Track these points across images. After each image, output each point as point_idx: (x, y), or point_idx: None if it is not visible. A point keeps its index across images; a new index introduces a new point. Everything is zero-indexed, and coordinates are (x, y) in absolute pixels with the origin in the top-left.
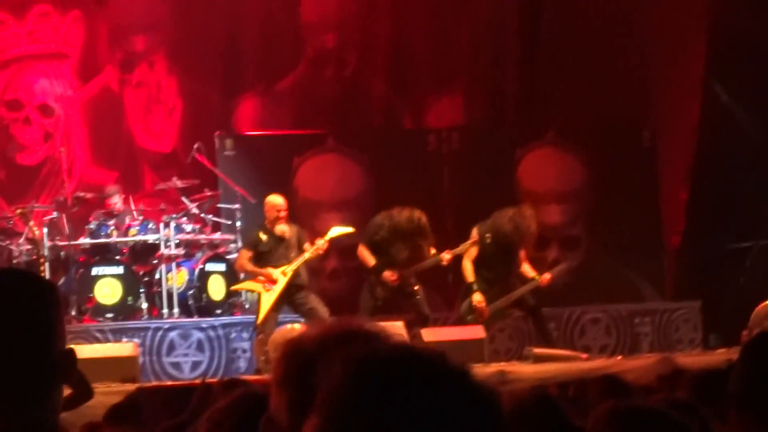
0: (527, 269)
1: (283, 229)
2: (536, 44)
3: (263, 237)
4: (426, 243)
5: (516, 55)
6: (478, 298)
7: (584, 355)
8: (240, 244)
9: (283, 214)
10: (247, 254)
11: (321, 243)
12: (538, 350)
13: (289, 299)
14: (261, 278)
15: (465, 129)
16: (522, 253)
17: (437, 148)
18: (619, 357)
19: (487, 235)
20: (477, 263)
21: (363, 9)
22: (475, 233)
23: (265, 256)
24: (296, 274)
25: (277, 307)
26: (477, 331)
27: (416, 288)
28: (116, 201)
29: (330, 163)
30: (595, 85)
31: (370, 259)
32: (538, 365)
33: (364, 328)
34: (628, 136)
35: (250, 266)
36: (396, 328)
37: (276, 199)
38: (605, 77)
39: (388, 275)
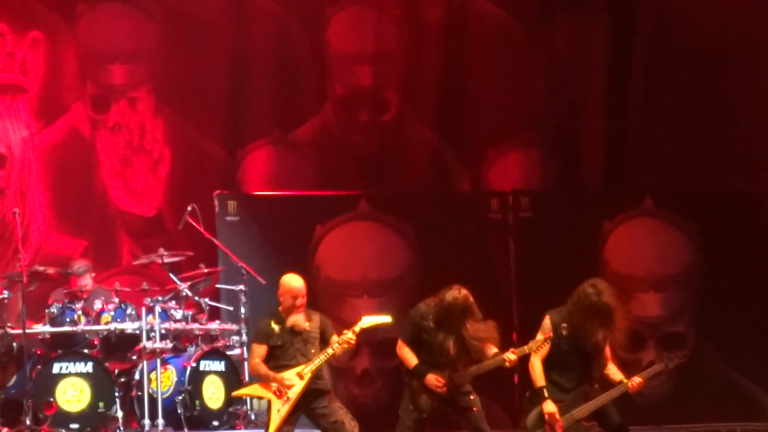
0: (613, 371)
1: (298, 320)
2: (629, 88)
3: (275, 327)
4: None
5: (603, 101)
6: (549, 407)
7: None
8: (245, 336)
9: (300, 302)
10: (260, 350)
11: (349, 336)
12: None
13: (307, 409)
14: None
15: (537, 194)
16: (607, 351)
17: (501, 216)
18: None
19: (563, 326)
20: (549, 363)
21: (408, 37)
22: (548, 324)
23: (277, 353)
24: (316, 376)
25: (291, 419)
26: None
27: (471, 398)
28: (85, 278)
29: (363, 233)
30: (705, 141)
31: (412, 359)
32: None
33: None
34: (749, 207)
35: (264, 368)
36: None
37: (293, 281)
38: (718, 131)
39: (434, 381)
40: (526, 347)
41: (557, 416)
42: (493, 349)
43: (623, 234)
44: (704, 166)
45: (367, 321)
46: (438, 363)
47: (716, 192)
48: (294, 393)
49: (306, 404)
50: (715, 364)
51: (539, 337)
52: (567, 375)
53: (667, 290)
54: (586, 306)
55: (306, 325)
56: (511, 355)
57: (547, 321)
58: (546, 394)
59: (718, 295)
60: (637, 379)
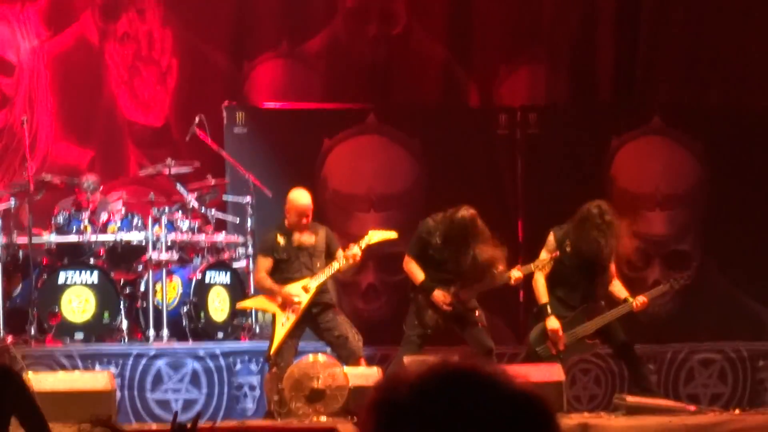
0: (618, 289)
1: (303, 238)
2: (640, 1)
3: (281, 240)
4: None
5: (614, 14)
6: (552, 324)
7: (691, 407)
8: (251, 248)
9: (305, 220)
10: (266, 263)
11: (355, 251)
12: (631, 399)
13: (311, 323)
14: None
15: (545, 109)
16: (612, 268)
17: (509, 132)
18: (737, 411)
19: (567, 242)
20: (552, 279)
21: None
22: (552, 242)
23: (282, 266)
24: (322, 290)
25: (295, 332)
26: (553, 372)
27: (477, 314)
28: (92, 187)
29: (370, 147)
30: (716, 57)
31: (419, 274)
32: (632, 418)
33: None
34: (759, 125)
35: (269, 282)
36: None
37: (300, 198)
38: (730, 47)
39: (441, 297)
40: (531, 265)
41: (560, 333)
42: (499, 268)
43: (630, 151)
44: (715, 82)
45: (374, 236)
46: (444, 279)
47: (725, 109)
48: (299, 306)
49: (311, 318)
50: (720, 284)
51: (544, 255)
52: (571, 292)
53: (673, 208)
54: (590, 224)
55: (312, 239)
56: (516, 273)
57: (551, 238)
58: (549, 311)
59: (724, 215)
60: (641, 298)
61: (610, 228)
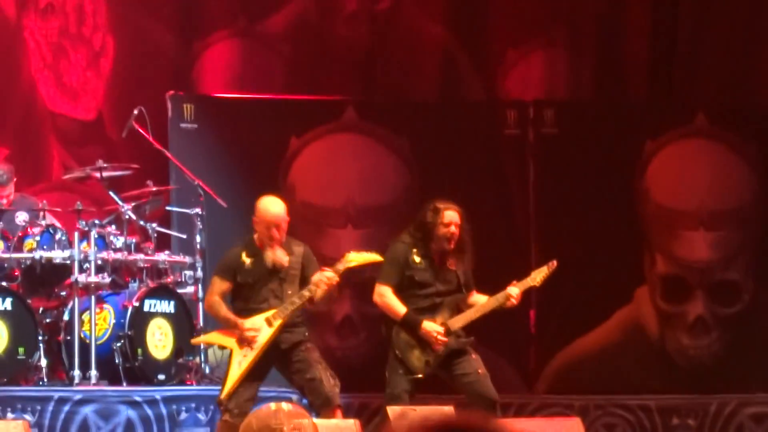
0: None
1: (277, 256)
2: None
3: (246, 261)
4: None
5: None
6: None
7: None
8: (200, 271)
9: (277, 234)
10: (222, 286)
11: (329, 275)
12: None
13: (279, 362)
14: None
15: (565, 105)
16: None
17: (520, 132)
18: None
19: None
20: None
21: None
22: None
23: (245, 293)
24: (293, 323)
25: (256, 374)
26: (572, 427)
27: (473, 356)
28: (8, 187)
29: (348, 148)
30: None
31: (399, 307)
32: None
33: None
34: None
35: (224, 310)
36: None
37: (270, 208)
38: None
39: (433, 328)
40: (529, 279)
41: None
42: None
43: (669, 157)
44: (763, 78)
45: (353, 259)
46: (431, 307)
47: None
48: (260, 343)
49: (278, 357)
50: None
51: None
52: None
53: (721, 228)
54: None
55: (285, 259)
56: (514, 289)
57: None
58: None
59: None
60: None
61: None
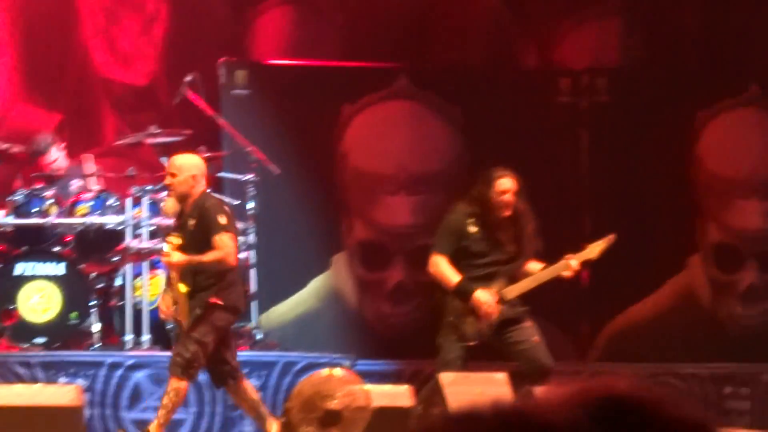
0: None
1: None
2: None
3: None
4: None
5: None
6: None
7: None
8: (253, 237)
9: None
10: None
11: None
12: None
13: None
14: None
15: (617, 73)
16: None
17: (573, 100)
18: None
19: None
20: None
21: None
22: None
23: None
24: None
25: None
26: None
27: (527, 324)
28: (56, 159)
29: (400, 115)
30: None
31: (453, 275)
32: None
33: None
34: None
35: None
36: (496, 381)
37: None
38: None
39: (486, 297)
40: (586, 251)
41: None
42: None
43: (722, 126)
44: None
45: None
46: (485, 276)
47: None
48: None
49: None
50: None
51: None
52: None
53: None
54: None
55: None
56: (572, 261)
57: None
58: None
59: None
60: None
61: None
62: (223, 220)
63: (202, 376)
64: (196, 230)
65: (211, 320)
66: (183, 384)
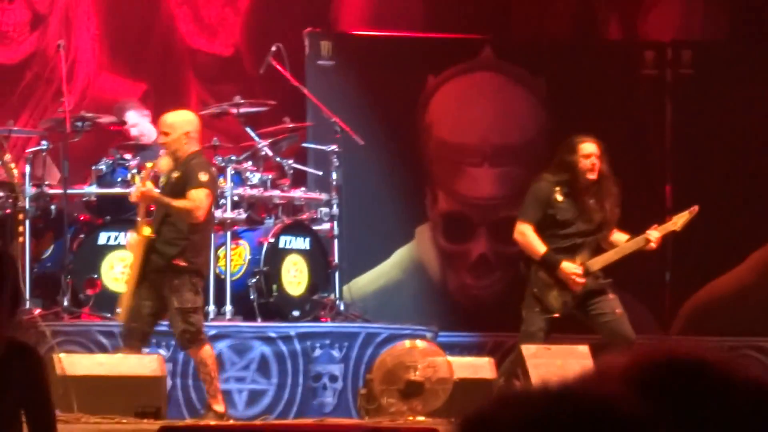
0: None
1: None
2: None
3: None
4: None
5: None
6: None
7: None
8: (336, 208)
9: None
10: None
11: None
12: None
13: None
14: None
15: (702, 45)
16: None
17: (658, 72)
18: None
19: None
20: None
21: None
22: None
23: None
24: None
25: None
26: None
27: (611, 296)
28: (141, 127)
29: (485, 87)
30: None
31: (539, 246)
32: None
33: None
34: None
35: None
36: (578, 354)
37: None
38: None
39: (572, 269)
40: (670, 223)
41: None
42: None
43: None
44: None
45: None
46: (571, 247)
47: None
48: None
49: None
50: None
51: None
52: None
53: None
54: None
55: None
56: (654, 233)
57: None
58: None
59: None
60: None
61: None
62: (204, 177)
63: (286, 348)
64: (177, 182)
65: (192, 284)
66: (206, 349)
